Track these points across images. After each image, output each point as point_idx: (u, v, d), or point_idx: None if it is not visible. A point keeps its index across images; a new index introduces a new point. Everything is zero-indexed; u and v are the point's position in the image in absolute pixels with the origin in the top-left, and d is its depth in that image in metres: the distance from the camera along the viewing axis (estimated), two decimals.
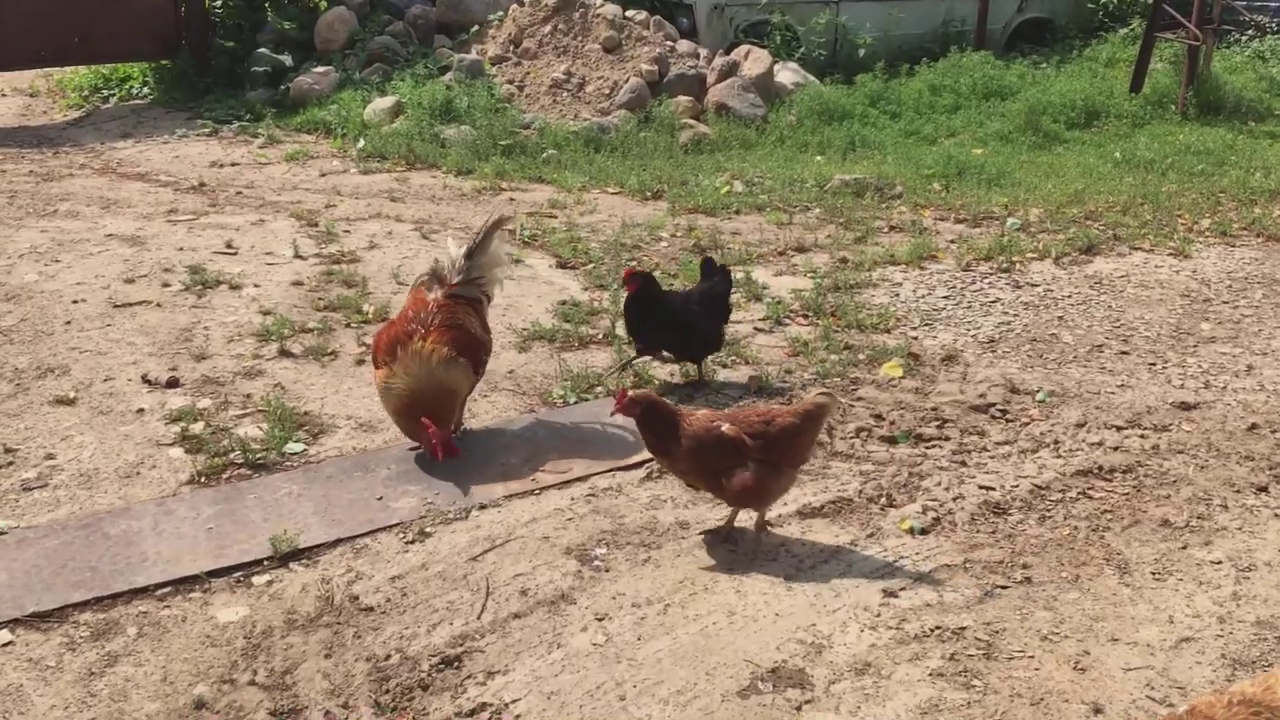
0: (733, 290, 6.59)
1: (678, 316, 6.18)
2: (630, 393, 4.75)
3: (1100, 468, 5.41)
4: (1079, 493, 5.19)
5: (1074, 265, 8.41)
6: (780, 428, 4.65)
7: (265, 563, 4.60)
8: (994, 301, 7.64)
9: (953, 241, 8.95)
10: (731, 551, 4.72)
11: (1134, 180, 10.78)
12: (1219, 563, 4.62)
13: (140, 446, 5.49)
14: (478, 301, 5.70)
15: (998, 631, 4.19)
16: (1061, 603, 4.37)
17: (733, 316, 7.21)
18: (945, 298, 7.70)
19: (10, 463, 5.31)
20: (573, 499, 5.12)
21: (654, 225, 9.27)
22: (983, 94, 13.86)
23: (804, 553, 4.71)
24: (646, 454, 5.42)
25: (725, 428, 4.63)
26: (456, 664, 4.03)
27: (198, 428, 5.63)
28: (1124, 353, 6.79)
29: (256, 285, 7.71)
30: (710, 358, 6.42)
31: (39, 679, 3.91)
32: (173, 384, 6.11)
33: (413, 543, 4.78)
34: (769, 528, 4.88)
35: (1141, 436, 5.72)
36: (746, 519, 4.86)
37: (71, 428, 5.65)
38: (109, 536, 4.71)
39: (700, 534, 4.83)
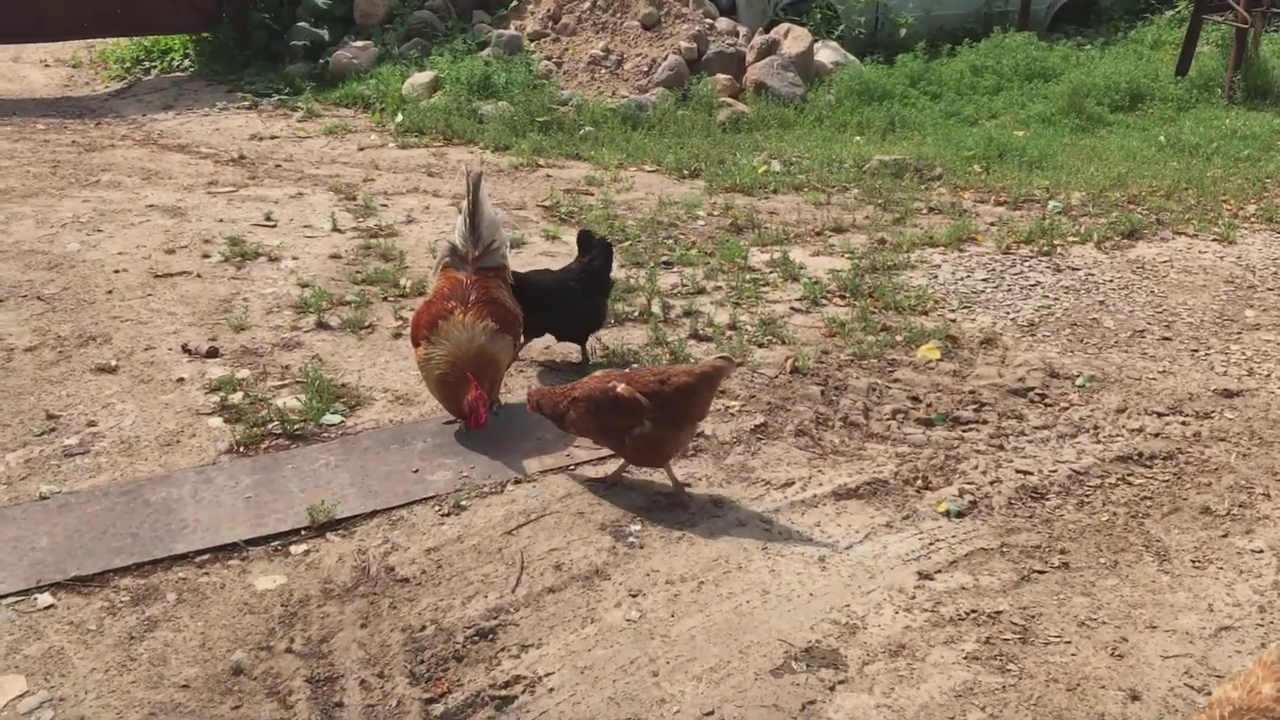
0: (613, 264, 6.36)
1: (551, 296, 6.06)
2: (529, 391, 5.13)
3: (1140, 454, 5.35)
4: (1118, 479, 5.14)
5: (1116, 250, 8.30)
6: (675, 386, 4.75)
7: (303, 532, 4.64)
8: (1034, 285, 7.56)
9: (993, 224, 8.86)
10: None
11: (1178, 165, 10.62)
12: (1260, 551, 4.56)
13: (180, 415, 5.54)
14: (501, 269, 5.71)
15: (1034, 616, 4.17)
16: (1099, 589, 4.33)
17: (771, 296, 7.21)
18: (984, 280, 7.63)
19: (53, 429, 5.37)
20: (607, 474, 5.12)
21: (691, 204, 9.23)
22: (1025, 75, 13.66)
23: (839, 533, 4.70)
24: None
25: (620, 387, 4.75)
26: (491, 636, 4.05)
27: (237, 397, 5.68)
28: (1166, 338, 6.71)
29: (295, 258, 7.75)
30: (594, 335, 6.37)
31: (80, 642, 3.96)
32: (212, 354, 6.16)
33: (448, 515, 4.80)
34: (686, 487, 5.00)
35: (1183, 423, 5.66)
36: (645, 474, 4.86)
37: (113, 395, 5.71)
38: (149, 503, 4.76)
39: (586, 480, 5.08)
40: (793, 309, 7.08)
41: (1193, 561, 4.51)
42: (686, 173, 10.41)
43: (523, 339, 5.93)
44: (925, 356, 6.38)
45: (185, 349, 6.23)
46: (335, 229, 8.36)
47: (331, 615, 4.15)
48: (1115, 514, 4.86)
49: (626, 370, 5.21)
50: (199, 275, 7.38)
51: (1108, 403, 5.86)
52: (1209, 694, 3.73)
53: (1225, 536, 4.69)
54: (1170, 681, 3.81)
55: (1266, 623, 4.10)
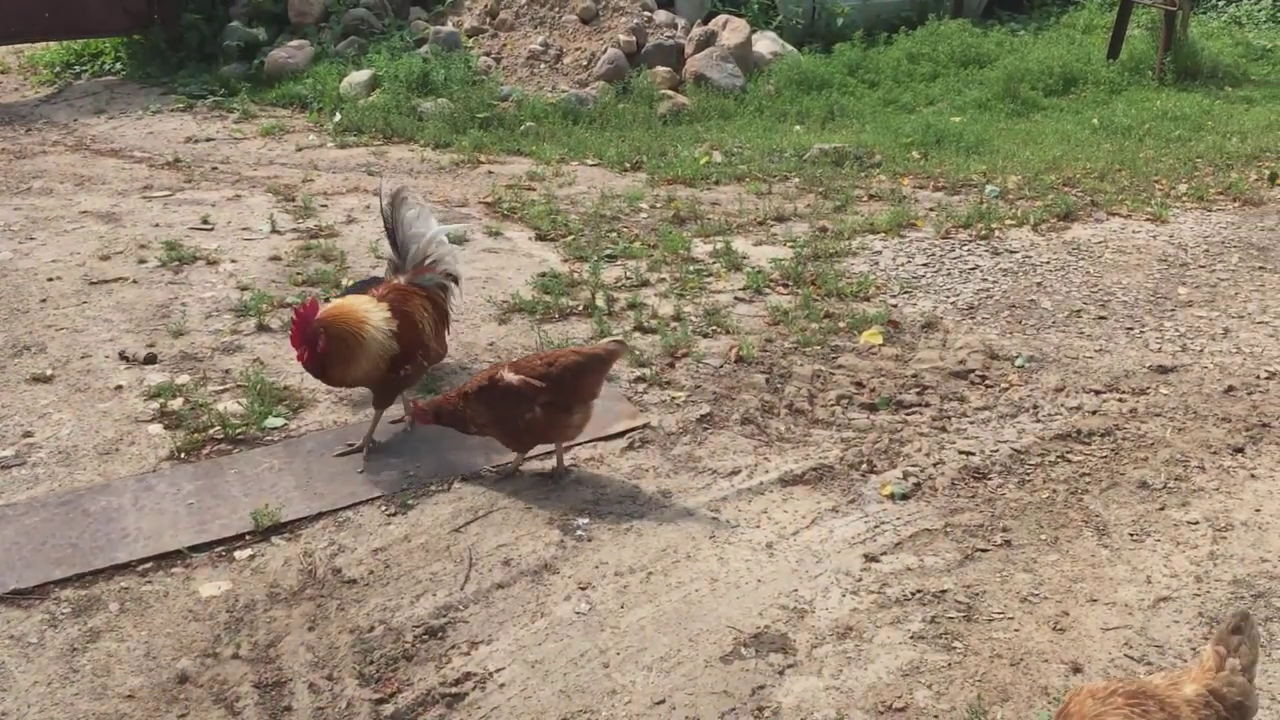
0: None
1: None
2: (418, 404, 5.02)
3: (1079, 431, 5.44)
4: (1058, 456, 5.23)
5: (1052, 231, 8.43)
6: (563, 367, 4.82)
7: (247, 537, 4.59)
8: (973, 268, 7.65)
9: (932, 209, 8.95)
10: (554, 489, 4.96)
11: (1111, 146, 10.79)
12: (1196, 523, 4.66)
13: (119, 423, 5.46)
14: (440, 291, 5.46)
15: (978, 594, 4.23)
16: (1041, 565, 4.41)
17: (714, 287, 7.25)
18: (925, 265, 7.71)
19: None
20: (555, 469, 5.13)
21: (633, 196, 9.24)
22: (961, 62, 13.83)
23: (786, 520, 4.74)
24: (629, 423, 5.45)
25: (509, 375, 4.81)
26: (440, 634, 4.04)
27: (177, 404, 5.61)
28: (1102, 317, 6.83)
29: (234, 261, 7.66)
30: None
31: (21, 655, 3.90)
32: (150, 360, 6.08)
33: (395, 515, 4.78)
34: (568, 473, 5.09)
35: (1119, 400, 5.76)
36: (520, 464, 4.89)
37: (49, 405, 5.61)
38: (89, 513, 4.69)
39: (492, 469, 5.10)
40: (736, 299, 7.12)
41: (1131, 535, 4.60)
42: (628, 165, 10.41)
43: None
44: (868, 342, 6.45)
45: (123, 356, 6.14)
46: (274, 230, 8.27)
47: (278, 619, 4.12)
48: (1055, 491, 4.94)
49: (511, 361, 5.15)
50: (135, 281, 7.27)
51: (1046, 382, 5.96)
52: (1149, 664, 3.82)
53: (1162, 510, 4.78)
54: (1110, 653, 3.89)
55: (1203, 592, 4.20)
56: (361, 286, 5.68)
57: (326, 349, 4.88)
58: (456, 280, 5.62)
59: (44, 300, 6.91)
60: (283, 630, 4.06)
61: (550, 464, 5.11)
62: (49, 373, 5.92)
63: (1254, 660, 2.97)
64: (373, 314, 5.02)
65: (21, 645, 3.95)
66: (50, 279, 7.25)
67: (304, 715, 3.66)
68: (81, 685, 3.77)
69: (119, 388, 5.80)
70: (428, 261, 5.48)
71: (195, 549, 4.50)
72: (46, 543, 4.49)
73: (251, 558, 4.48)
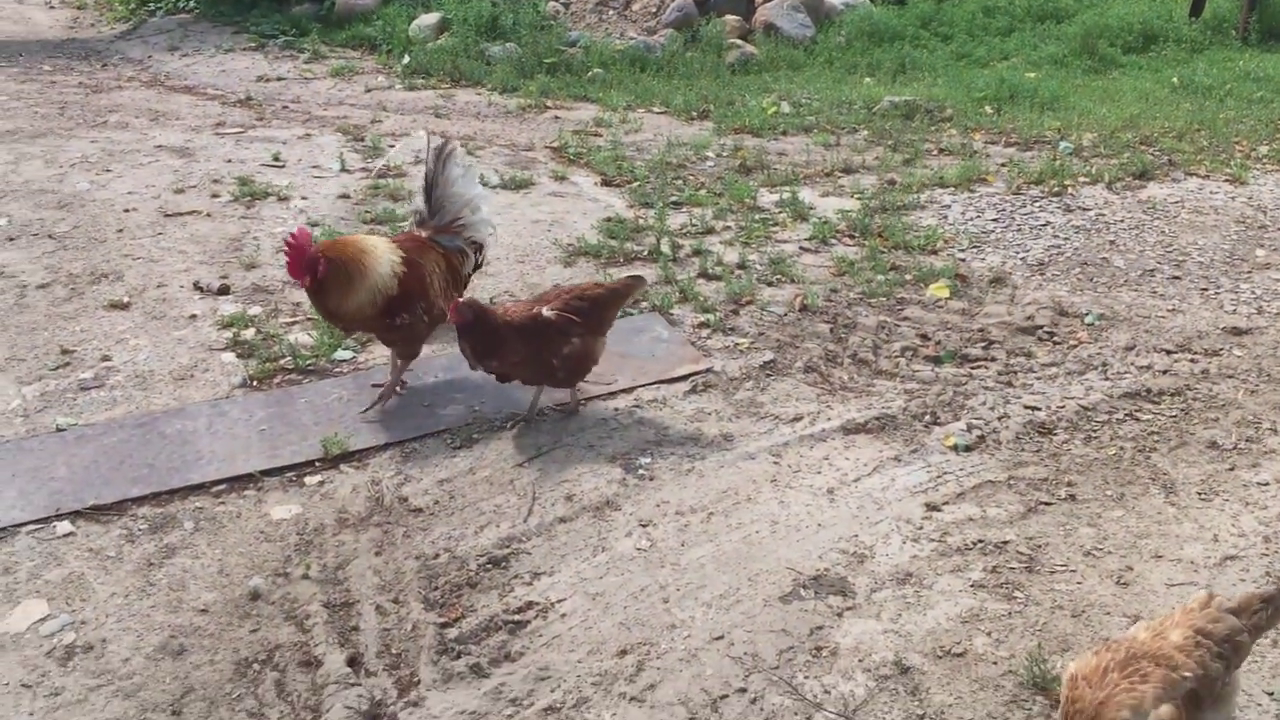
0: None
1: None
2: (460, 301, 4.83)
3: (1148, 390, 5.37)
4: (1126, 414, 5.17)
5: (1127, 190, 8.26)
6: (594, 298, 4.91)
7: (317, 464, 4.69)
8: (1044, 225, 7.54)
9: (1003, 165, 8.81)
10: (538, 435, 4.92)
11: (1191, 106, 10.53)
12: (1266, 484, 4.60)
13: (193, 350, 5.58)
14: (459, 255, 5.30)
15: (1040, 546, 4.21)
16: (1105, 520, 4.37)
17: (780, 236, 7.22)
18: (994, 220, 7.61)
19: (67, 364, 5.41)
20: (617, 409, 5.16)
21: (700, 145, 9.20)
22: (1037, 16, 13.55)
23: (847, 466, 4.74)
24: (692, 367, 5.47)
25: (546, 310, 4.82)
26: (504, 564, 4.11)
27: (249, 334, 5.72)
28: (1176, 278, 6.70)
29: (304, 197, 7.75)
30: None
31: (100, 568, 4.03)
32: (224, 291, 6.19)
33: (460, 448, 4.85)
34: (582, 404, 5.16)
35: (1191, 360, 5.67)
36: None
37: (126, 331, 5.74)
38: (165, 435, 4.81)
39: (514, 428, 5.01)
40: (802, 248, 7.08)
41: (1199, 494, 4.55)
42: (695, 114, 10.36)
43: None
44: (934, 295, 6.39)
45: (197, 286, 6.26)
46: (344, 169, 8.36)
47: (347, 543, 4.21)
48: (1122, 448, 4.89)
49: (523, 300, 5.19)
50: (208, 214, 7.39)
51: (1117, 340, 5.87)
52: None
53: (1231, 470, 4.72)
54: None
55: (1271, 552, 4.14)
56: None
57: (326, 272, 4.79)
58: (481, 249, 5.46)
59: (120, 230, 7.05)
60: (351, 554, 4.15)
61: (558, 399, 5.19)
62: (126, 300, 6.06)
63: (1267, 627, 2.99)
64: (379, 250, 4.95)
65: (100, 558, 4.08)
66: (126, 210, 7.40)
67: (371, 635, 3.75)
68: (158, 598, 3.89)
69: (193, 316, 5.92)
70: (457, 223, 5.33)
71: (267, 473, 4.61)
72: (124, 462, 4.62)
73: (321, 484, 4.58)
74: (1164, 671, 2.72)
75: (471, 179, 5.43)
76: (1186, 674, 2.71)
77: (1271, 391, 5.35)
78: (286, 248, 4.80)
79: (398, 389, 5.18)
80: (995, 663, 3.60)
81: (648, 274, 6.55)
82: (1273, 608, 2.94)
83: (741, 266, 6.70)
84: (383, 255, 4.94)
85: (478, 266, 5.53)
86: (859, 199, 7.90)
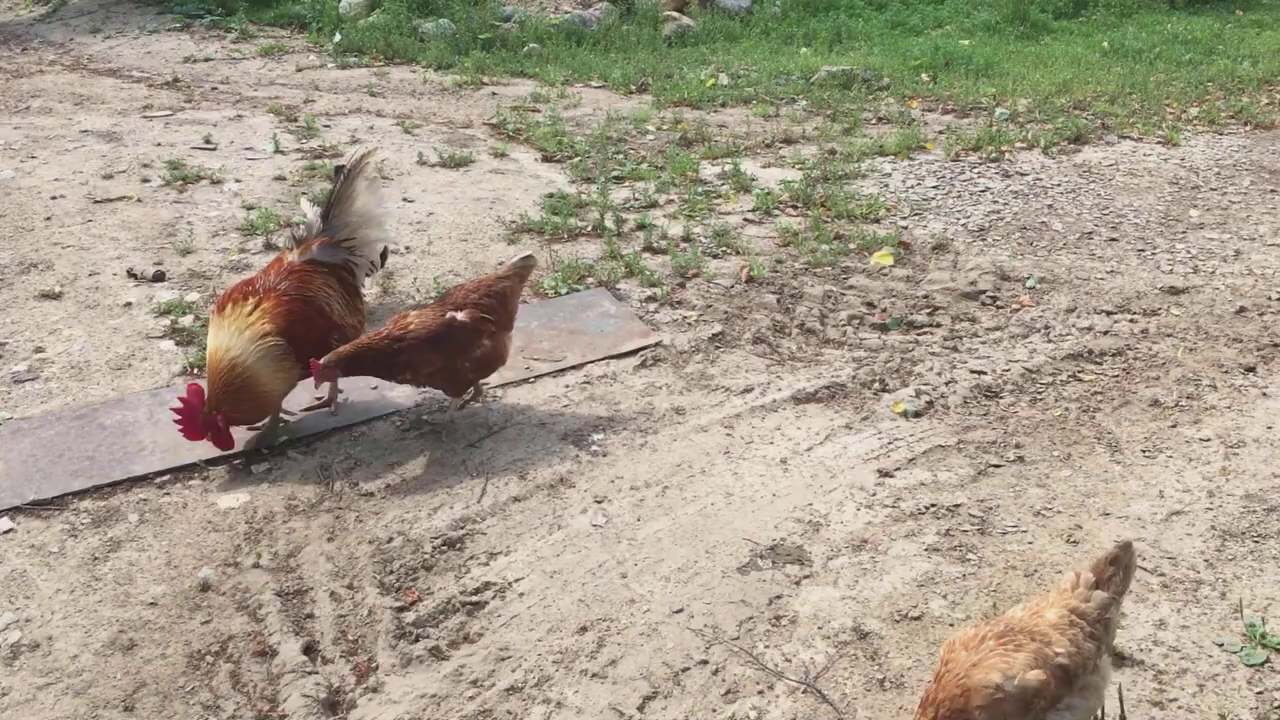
0: None
1: None
2: (319, 362, 4.43)
3: (1090, 351, 5.45)
4: (1070, 376, 5.24)
5: (1063, 154, 8.36)
6: (500, 291, 4.68)
7: (264, 451, 4.60)
8: (983, 191, 7.60)
9: (941, 132, 8.87)
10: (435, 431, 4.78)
11: (1122, 70, 10.68)
12: (1208, 440, 4.68)
13: (130, 339, 5.45)
14: (345, 269, 4.90)
15: (991, 508, 4.26)
16: (1054, 480, 4.43)
17: (723, 208, 7.21)
18: (935, 187, 7.66)
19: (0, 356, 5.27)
20: (567, 386, 5.13)
21: (640, 118, 9.15)
22: None
23: (799, 436, 4.75)
24: (641, 341, 5.45)
25: (459, 315, 4.54)
26: (459, 545, 4.07)
27: (187, 320, 5.59)
28: (1113, 239, 6.80)
29: (238, 180, 7.59)
30: None
31: (43, 564, 3.93)
32: (159, 278, 6.05)
33: (409, 431, 4.79)
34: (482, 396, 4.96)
35: (1131, 321, 5.76)
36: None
37: (59, 321, 5.59)
38: (104, 427, 4.70)
39: (429, 430, 4.76)
40: (746, 220, 7.08)
41: (1143, 451, 4.62)
42: (634, 88, 10.31)
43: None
44: (879, 263, 6.42)
45: (131, 274, 6.11)
46: (278, 151, 8.20)
47: (298, 530, 4.15)
48: (1068, 409, 4.95)
49: (430, 304, 4.78)
50: (139, 200, 7.21)
51: (1058, 303, 5.95)
52: (1162, 575, 3.86)
53: (1174, 427, 4.80)
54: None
55: (1215, 507, 4.22)
56: None
57: (226, 419, 4.40)
58: (372, 266, 5.13)
59: (49, 219, 6.86)
60: (302, 541, 4.09)
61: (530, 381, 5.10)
62: (58, 290, 5.90)
63: (1125, 589, 3.01)
64: (243, 348, 4.40)
65: (43, 554, 3.98)
66: (54, 197, 7.20)
67: (326, 622, 3.70)
68: (104, 593, 3.80)
69: (128, 305, 5.78)
70: (349, 243, 4.91)
71: (212, 462, 4.51)
72: (63, 455, 4.50)
73: (269, 471, 4.50)
74: (1038, 645, 2.78)
75: (375, 195, 5.07)
76: (1059, 650, 2.77)
77: (1210, 349, 5.45)
78: (177, 416, 4.33)
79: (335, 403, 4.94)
80: (952, 625, 3.64)
81: (591, 249, 6.53)
82: (1121, 568, 2.98)
83: (686, 239, 6.68)
84: (252, 349, 4.41)
85: (373, 270, 5.22)
86: (801, 169, 7.92)
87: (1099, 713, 3.19)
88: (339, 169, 4.97)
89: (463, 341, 4.55)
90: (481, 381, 4.87)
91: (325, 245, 4.84)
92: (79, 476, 4.38)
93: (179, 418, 4.33)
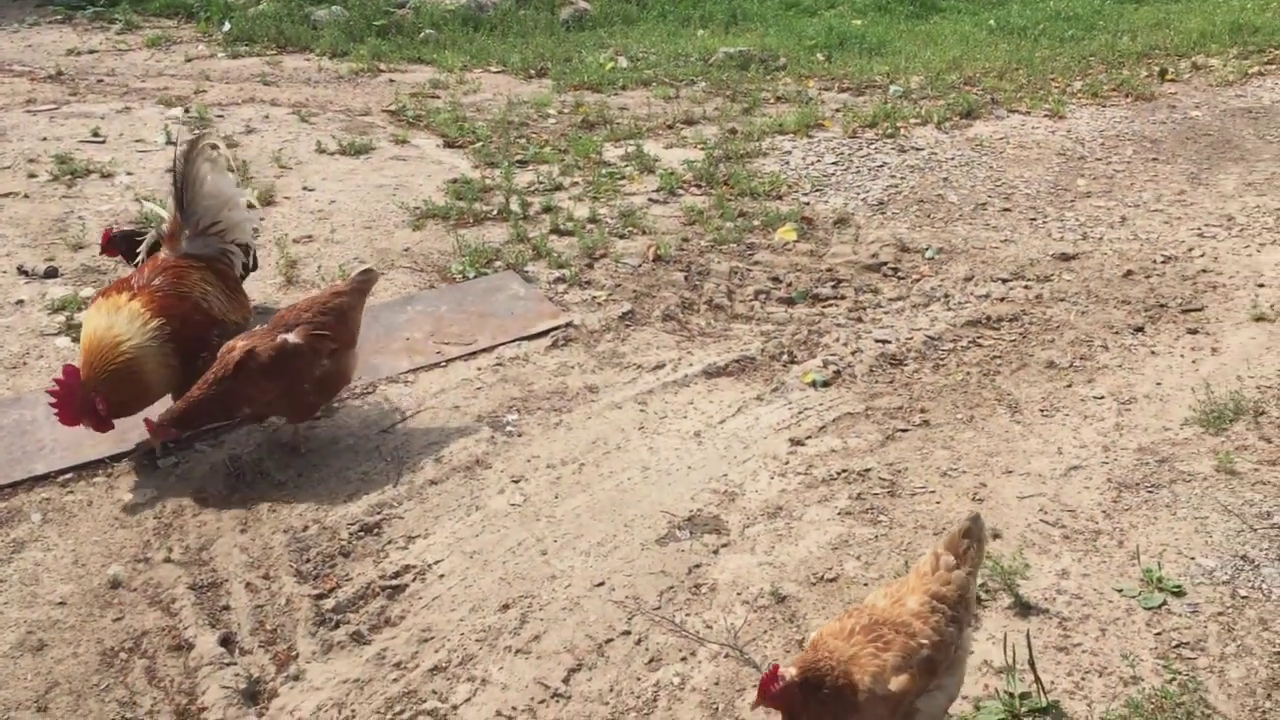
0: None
1: None
2: (154, 420, 4.25)
3: (988, 317, 5.61)
4: (970, 341, 5.39)
5: (955, 129, 8.57)
6: (338, 309, 4.42)
7: (170, 444, 4.50)
8: (881, 166, 7.76)
9: (838, 110, 9.02)
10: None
11: (1008, 46, 10.96)
12: (1101, 398, 4.86)
13: (24, 337, 5.28)
14: (224, 260, 4.77)
15: (900, 471, 4.37)
16: (958, 441, 4.56)
17: (628, 189, 7.24)
18: (834, 164, 7.79)
19: None
20: (480, 369, 5.12)
21: (540, 102, 9.13)
22: None
23: (712, 409, 4.81)
24: (551, 322, 5.46)
25: (291, 336, 4.28)
26: (376, 531, 4.04)
27: (82, 316, 5.42)
28: (1006, 210, 7.00)
29: (129, 173, 7.39)
30: None
31: None
32: (51, 274, 5.87)
33: (320, 419, 4.73)
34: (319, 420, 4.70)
35: (1025, 287, 5.94)
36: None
37: None
38: (1, 427, 4.55)
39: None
40: (650, 200, 7.12)
41: (1041, 411, 4.78)
42: (533, 72, 10.28)
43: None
44: (783, 239, 6.51)
45: (21, 270, 5.92)
46: (170, 142, 7.98)
47: (209, 523, 4.08)
48: (969, 373, 5.10)
49: (261, 328, 4.43)
50: (27, 195, 6.98)
51: (956, 272, 6.11)
52: (1063, 528, 4.00)
53: (1069, 387, 4.98)
54: (1027, 519, 4.06)
55: (1111, 460, 4.39)
56: (123, 242, 5.07)
57: (107, 405, 4.22)
58: (248, 249, 4.97)
59: None
60: (215, 534, 4.02)
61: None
62: None
63: (979, 561, 3.08)
64: (127, 328, 4.27)
65: None
66: None
67: (243, 614, 3.65)
68: (10, 594, 3.70)
69: (20, 302, 5.60)
70: (215, 228, 4.74)
71: (115, 458, 4.41)
72: None
73: (176, 465, 4.41)
74: (904, 640, 2.81)
75: (222, 175, 4.82)
76: (924, 641, 2.82)
77: (1100, 311, 5.65)
78: (53, 398, 4.16)
79: None
80: (866, 584, 3.73)
81: (498, 233, 6.51)
82: (974, 540, 3.03)
83: (593, 221, 6.70)
84: (135, 330, 4.28)
85: (249, 269, 5.08)
86: (703, 149, 7.99)
87: (1010, 660, 3.31)
88: (183, 149, 4.71)
89: (300, 364, 4.27)
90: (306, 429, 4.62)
91: (193, 236, 4.67)
92: None
93: (54, 400, 4.14)
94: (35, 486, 4.25)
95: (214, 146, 4.77)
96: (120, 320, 4.27)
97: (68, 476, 4.32)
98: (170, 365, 4.37)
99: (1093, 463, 4.40)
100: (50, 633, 3.55)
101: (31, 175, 7.29)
